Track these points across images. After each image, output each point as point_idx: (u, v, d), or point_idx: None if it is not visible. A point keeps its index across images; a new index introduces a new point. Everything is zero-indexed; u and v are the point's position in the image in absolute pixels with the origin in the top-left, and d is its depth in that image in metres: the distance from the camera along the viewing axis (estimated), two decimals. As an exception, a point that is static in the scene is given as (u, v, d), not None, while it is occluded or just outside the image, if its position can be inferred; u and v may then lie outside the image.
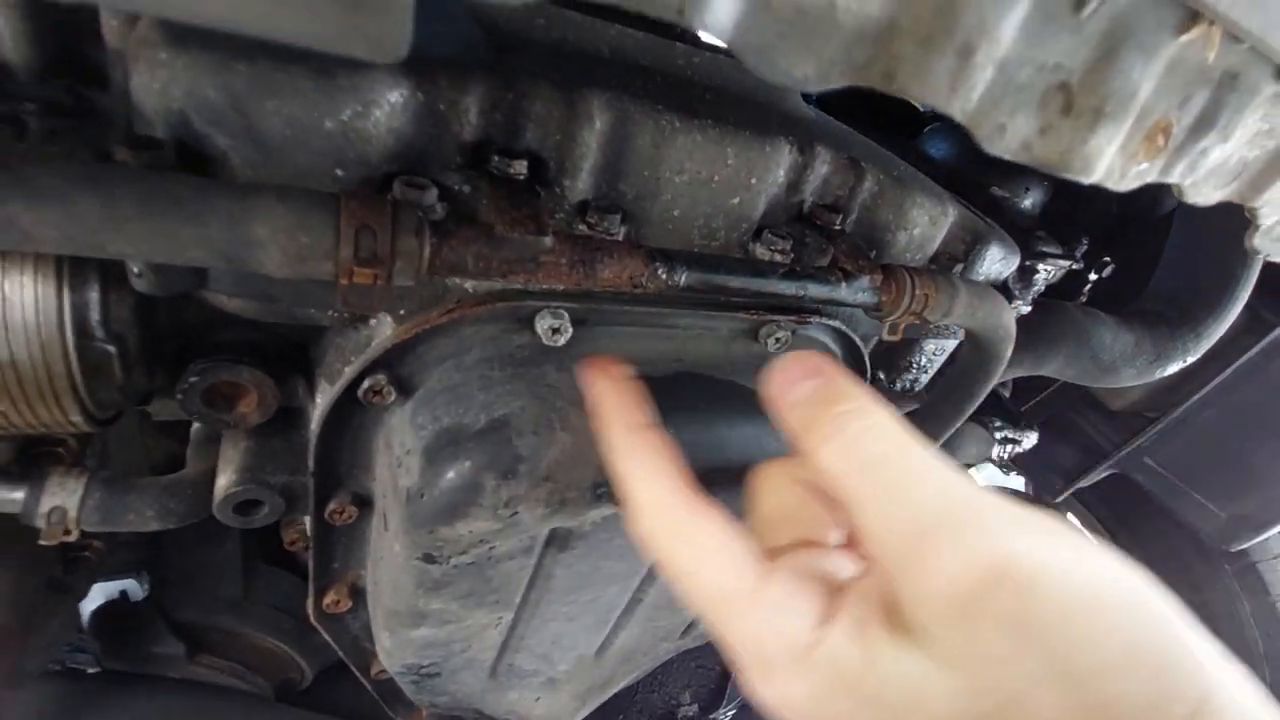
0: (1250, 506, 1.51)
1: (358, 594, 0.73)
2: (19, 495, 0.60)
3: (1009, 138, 0.29)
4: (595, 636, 0.78)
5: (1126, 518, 2.00)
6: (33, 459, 0.68)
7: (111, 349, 0.48)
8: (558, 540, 0.59)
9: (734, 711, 1.83)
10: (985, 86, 0.27)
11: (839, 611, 0.29)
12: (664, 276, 0.52)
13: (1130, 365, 1.10)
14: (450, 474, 0.51)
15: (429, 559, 0.55)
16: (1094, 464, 1.70)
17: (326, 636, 0.75)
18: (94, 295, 0.46)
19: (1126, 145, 0.34)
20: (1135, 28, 0.30)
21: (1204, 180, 0.40)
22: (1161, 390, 1.50)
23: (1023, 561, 0.24)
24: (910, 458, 0.29)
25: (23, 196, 0.33)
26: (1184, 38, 0.31)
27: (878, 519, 0.28)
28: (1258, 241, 0.50)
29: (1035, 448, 1.79)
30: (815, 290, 0.61)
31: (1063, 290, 1.25)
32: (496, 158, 0.50)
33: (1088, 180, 0.34)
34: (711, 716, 1.82)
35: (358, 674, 0.82)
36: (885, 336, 0.69)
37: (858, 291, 0.63)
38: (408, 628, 0.63)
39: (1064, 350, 1.07)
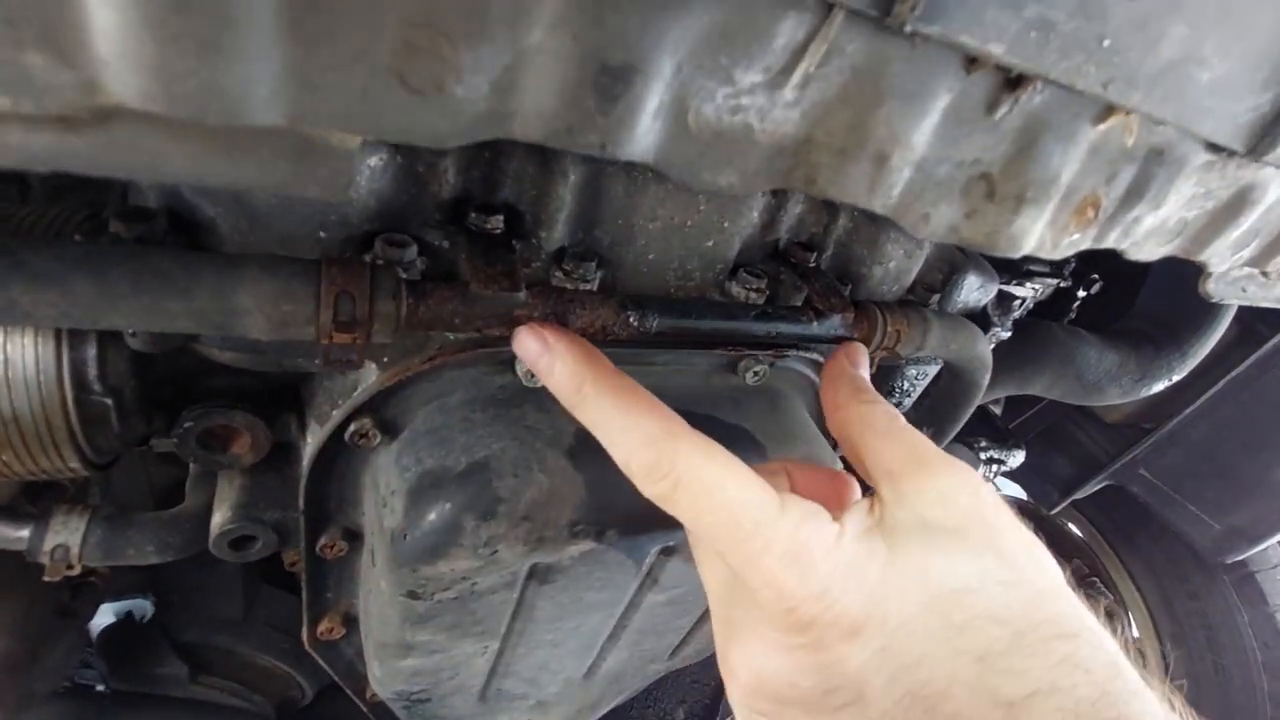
0: (1244, 519, 1.51)
1: (351, 621, 0.75)
2: (24, 534, 0.62)
3: (934, 224, 0.31)
4: (582, 661, 0.80)
5: (1124, 528, 2.01)
6: (36, 495, 0.71)
7: (109, 401, 0.51)
8: (538, 574, 0.62)
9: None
10: (904, 185, 0.29)
11: (849, 520, 0.38)
12: (635, 324, 0.54)
13: (1115, 384, 1.11)
14: (432, 515, 0.53)
15: (413, 595, 0.57)
16: (1090, 475, 1.70)
17: (321, 662, 0.78)
18: (91, 352, 0.49)
19: (1055, 220, 0.36)
20: (1051, 121, 0.32)
21: (1143, 241, 0.42)
22: (1156, 402, 1.51)
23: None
24: (904, 425, 0.45)
25: (21, 280, 0.35)
26: (1102, 126, 0.33)
27: (896, 449, 0.41)
28: (1211, 288, 0.52)
29: (1032, 460, 1.79)
30: (786, 329, 0.63)
31: (1052, 307, 1.26)
32: (474, 214, 0.53)
33: (1016, 255, 0.35)
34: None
35: (353, 697, 0.85)
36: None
37: (830, 329, 0.65)
38: (396, 658, 0.66)
39: (1049, 370, 1.08)
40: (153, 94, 0.17)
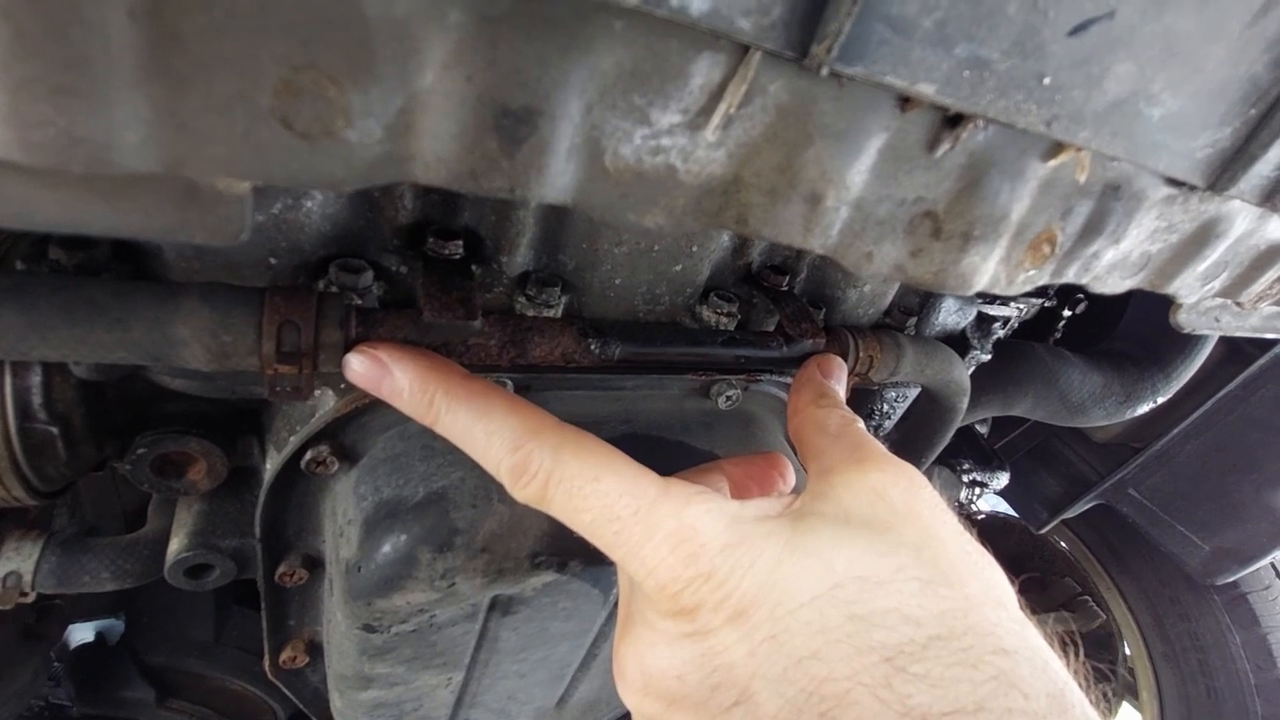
0: (1233, 540, 1.50)
1: (315, 649, 0.74)
2: (-26, 561, 0.61)
3: (878, 264, 0.30)
4: (553, 690, 0.78)
5: (1116, 548, 1.99)
6: (-5, 518, 0.69)
7: (54, 430, 0.49)
8: (500, 606, 0.60)
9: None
10: (843, 224, 0.28)
11: (754, 504, 0.36)
12: (597, 351, 0.53)
13: (1099, 406, 1.10)
14: (386, 547, 0.52)
15: (369, 628, 0.56)
16: (1079, 495, 1.69)
17: (286, 691, 0.76)
18: (36, 380, 0.48)
19: (1009, 257, 0.35)
20: (997, 158, 0.31)
21: (1105, 275, 0.41)
22: (1145, 421, 1.50)
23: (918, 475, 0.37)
24: (858, 429, 0.43)
25: (-57, 313, 0.34)
26: (1052, 162, 0.32)
27: (840, 448, 0.39)
28: (1182, 319, 0.51)
29: (1021, 479, 1.78)
30: (755, 355, 0.62)
31: (1037, 327, 1.25)
32: (432, 239, 0.52)
33: (968, 293, 0.34)
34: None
35: (320, 725, 0.83)
36: (833, 395, 0.69)
37: (799, 355, 0.64)
38: (356, 690, 0.64)
39: (1032, 392, 1.07)
40: (9, 143, 0.16)
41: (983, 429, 1.45)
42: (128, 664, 1.10)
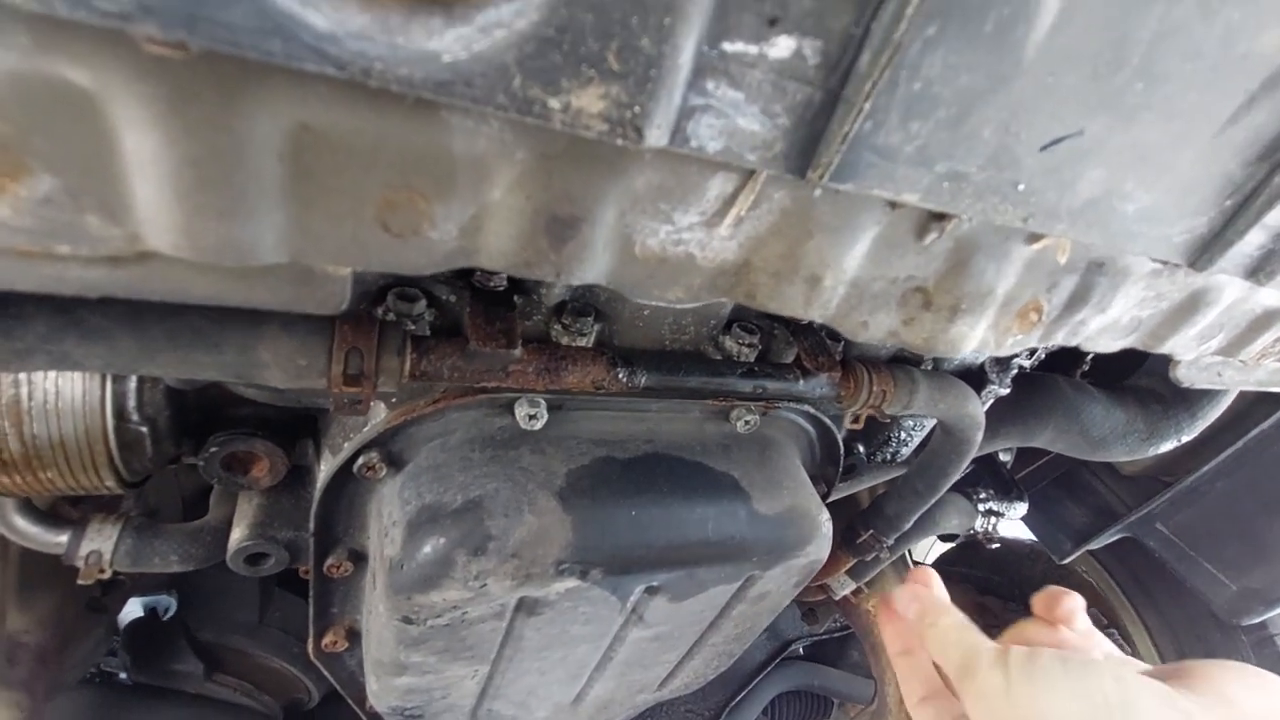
0: (1261, 580, 1.48)
1: (354, 636, 0.80)
2: (62, 539, 0.68)
3: (873, 330, 0.34)
4: (570, 688, 0.83)
5: (1143, 582, 1.96)
6: (76, 501, 0.77)
7: (144, 429, 0.56)
8: (526, 607, 0.65)
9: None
10: (840, 299, 0.32)
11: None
12: (625, 380, 0.58)
13: (1121, 442, 1.11)
14: (427, 548, 0.57)
15: (408, 620, 0.61)
16: (1105, 527, 1.67)
17: (325, 672, 0.82)
18: (131, 386, 0.54)
19: (997, 324, 0.39)
20: (982, 243, 0.34)
21: (1096, 337, 0.44)
22: (1175, 456, 1.49)
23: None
24: (967, 638, 0.45)
25: (75, 335, 0.40)
26: (1035, 246, 0.36)
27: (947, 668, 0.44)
28: (1180, 374, 0.53)
29: (1046, 507, 1.77)
30: (773, 386, 0.66)
31: (1064, 360, 1.26)
32: (479, 271, 0.57)
33: (956, 356, 0.38)
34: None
35: (354, 705, 0.89)
36: (847, 425, 0.73)
37: (816, 388, 0.67)
38: (392, 675, 0.70)
39: (1052, 424, 1.08)
40: (181, 246, 0.21)
41: (1006, 457, 1.45)
42: (181, 639, 1.18)
